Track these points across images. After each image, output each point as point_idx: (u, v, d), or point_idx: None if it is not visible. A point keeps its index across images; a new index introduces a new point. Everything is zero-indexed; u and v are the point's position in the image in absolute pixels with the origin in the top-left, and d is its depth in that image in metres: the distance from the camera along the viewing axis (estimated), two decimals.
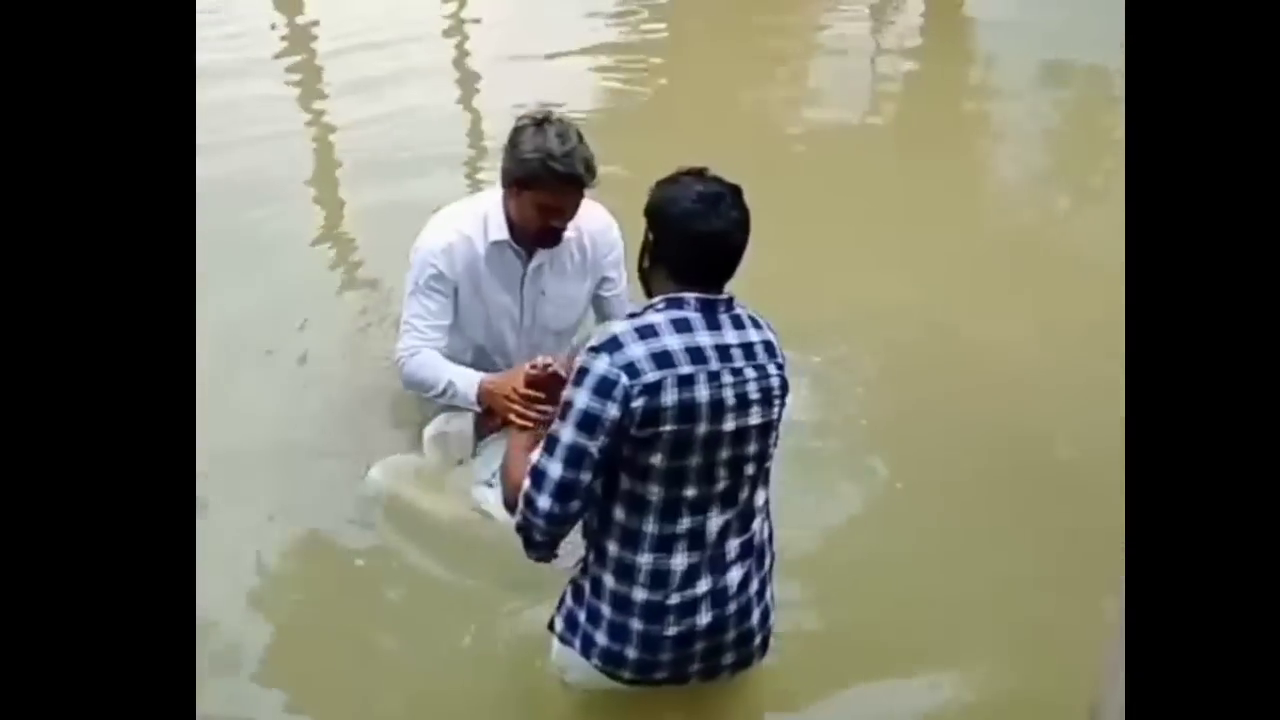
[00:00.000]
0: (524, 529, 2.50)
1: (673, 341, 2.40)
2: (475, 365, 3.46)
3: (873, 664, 3.16)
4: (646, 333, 2.40)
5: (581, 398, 2.37)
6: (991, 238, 5.33)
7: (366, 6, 7.90)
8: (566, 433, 2.38)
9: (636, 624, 2.54)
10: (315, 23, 7.97)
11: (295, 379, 4.18)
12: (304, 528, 3.57)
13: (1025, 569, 3.43)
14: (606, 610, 2.55)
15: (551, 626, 2.69)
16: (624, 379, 2.35)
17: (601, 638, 2.57)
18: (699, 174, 2.52)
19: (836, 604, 3.32)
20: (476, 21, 8.16)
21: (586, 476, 2.40)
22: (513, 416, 3.08)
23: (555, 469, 2.39)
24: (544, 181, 3.14)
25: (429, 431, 3.48)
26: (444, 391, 3.39)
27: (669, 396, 2.37)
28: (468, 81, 7.20)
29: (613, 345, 2.38)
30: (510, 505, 2.91)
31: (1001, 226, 5.52)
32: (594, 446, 2.37)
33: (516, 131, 3.18)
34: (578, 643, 2.62)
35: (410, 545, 3.46)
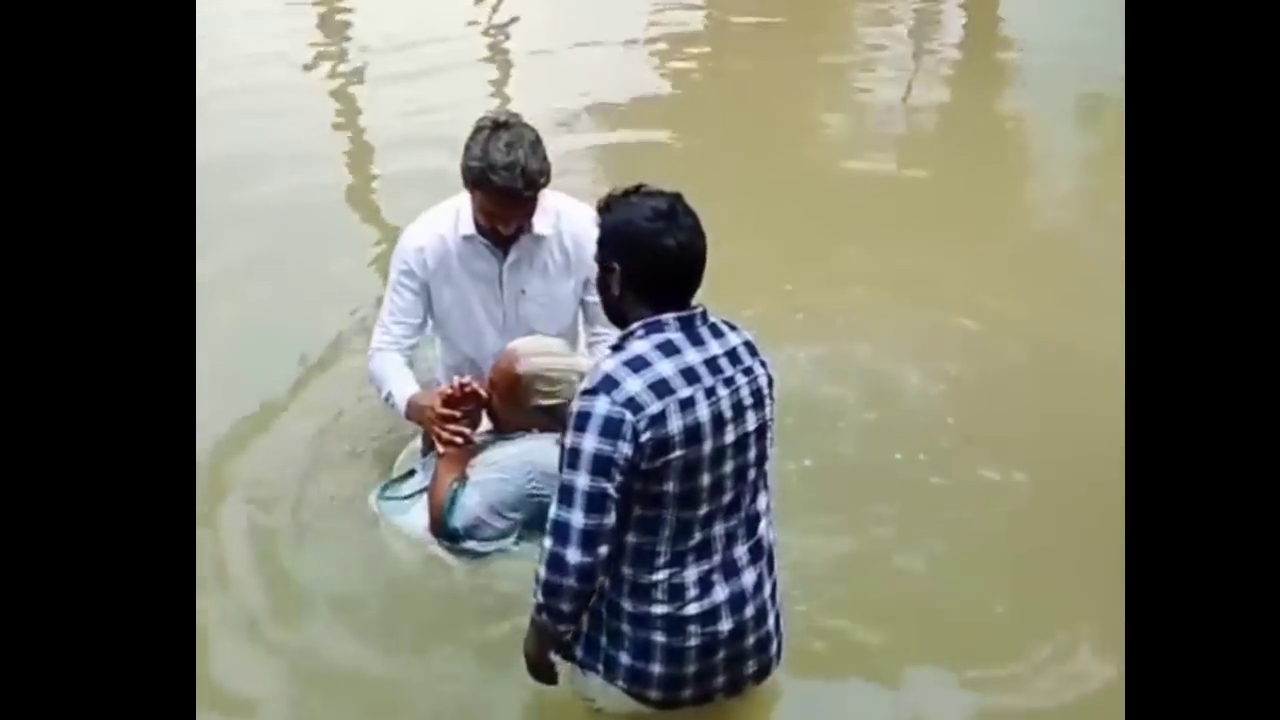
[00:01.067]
0: (551, 601, 2.45)
1: (665, 368, 2.41)
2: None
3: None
4: (638, 365, 2.41)
5: (589, 441, 2.36)
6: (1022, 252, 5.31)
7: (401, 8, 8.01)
8: (581, 479, 2.37)
9: (659, 637, 2.54)
10: (350, 24, 8.08)
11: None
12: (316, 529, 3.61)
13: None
14: (627, 629, 2.55)
15: (570, 656, 2.67)
16: (629, 415, 2.35)
17: (625, 657, 2.57)
18: (636, 191, 2.53)
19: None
20: (515, 20, 8.25)
21: (610, 520, 2.39)
22: (434, 437, 3.16)
23: (578, 518, 2.38)
24: (484, 188, 3.23)
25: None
26: (386, 399, 3.46)
27: (674, 424, 2.39)
28: (501, 78, 7.32)
29: (608, 384, 2.38)
30: (434, 527, 3.12)
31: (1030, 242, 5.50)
32: (611, 487, 2.37)
33: (474, 132, 3.25)
34: (600, 666, 2.61)
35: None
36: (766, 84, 7.15)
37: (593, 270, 3.41)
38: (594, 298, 3.45)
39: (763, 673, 2.70)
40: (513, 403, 3.28)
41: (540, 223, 3.41)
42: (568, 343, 3.43)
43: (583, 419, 2.38)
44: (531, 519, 3.24)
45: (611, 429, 2.35)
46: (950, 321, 4.60)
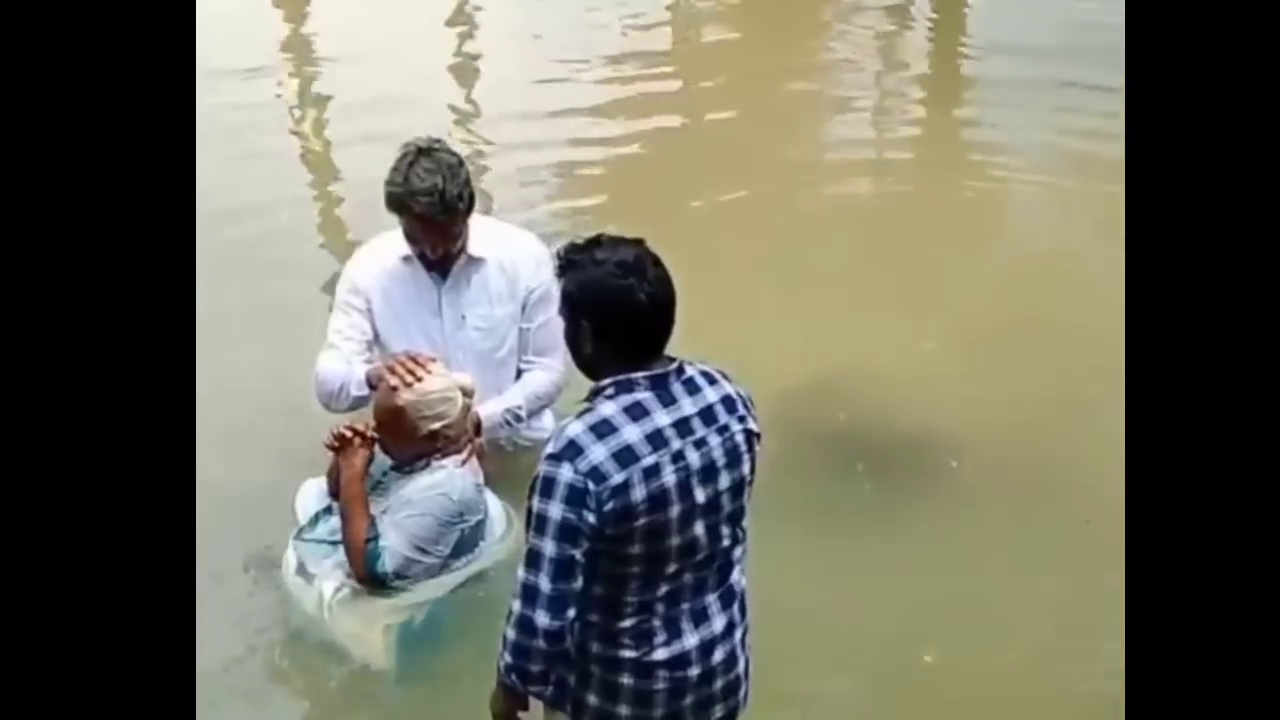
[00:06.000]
0: (519, 662, 2.41)
1: (631, 433, 2.36)
2: None
3: None
4: (603, 430, 2.36)
5: (555, 509, 2.33)
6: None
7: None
8: (549, 546, 2.34)
9: (627, 680, 2.50)
10: (315, 33, 7.91)
11: None
12: None
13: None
14: (595, 669, 2.51)
15: (541, 695, 2.60)
16: (592, 485, 2.32)
17: (593, 698, 2.53)
18: (597, 244, 2.47)
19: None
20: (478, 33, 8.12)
21: (578, 584, 2.37)
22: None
23: (545, 584, 2.35)
24: (404, 214, 3.33)
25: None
26: (339, 390, 3.51)
27: (638, 493, 2.35)
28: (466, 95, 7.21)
29: (572, 451, 2.34)
30: (359, 577, 3.21)
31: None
32: (579, 553, 2.35)
33: (398, 158, 3.33)
34: (569, 705, 2.56)
35: None
36: (736, 103, 7.12)
37: (531, 297, 3.54)
38: (529, 324, 3.57)
39: (729, 717, 2.65)
40: (402, 434, 3.30)
41: (476, 245, 3.47)
42: (443, 363, 3.40)
43: (548, 485, 2.35)
44: (452, 549, 3.31)
45: (575, 498, 2.32)
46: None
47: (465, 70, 7.60)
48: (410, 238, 3.39)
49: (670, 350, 2.47)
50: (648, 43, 7.92)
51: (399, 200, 3.29)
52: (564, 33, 7.83)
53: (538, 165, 6.16)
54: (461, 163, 3.35)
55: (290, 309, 4.62)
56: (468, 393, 3.32)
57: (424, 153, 3.30)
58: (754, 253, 5.30)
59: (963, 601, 3.52)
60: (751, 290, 4.94)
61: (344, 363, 3.49)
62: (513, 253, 3.53)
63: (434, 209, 3.27)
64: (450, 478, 3.28)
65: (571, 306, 2.47)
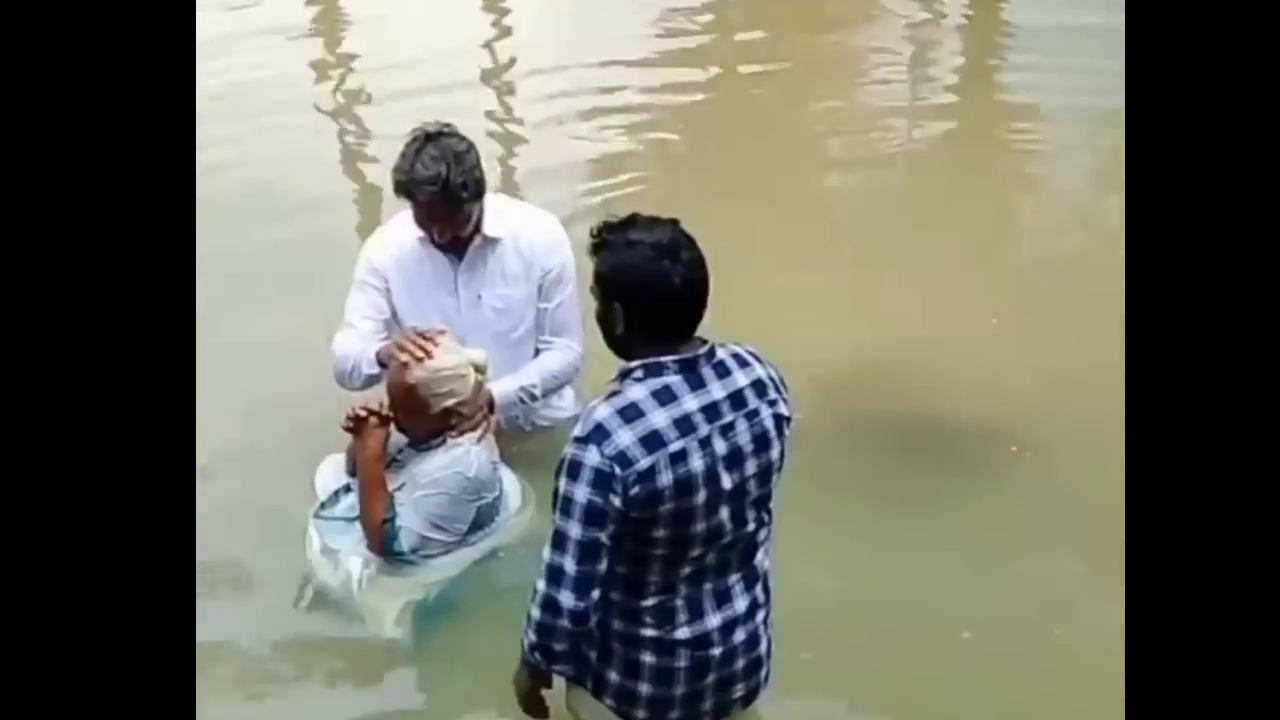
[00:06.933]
0: (543, 640, 2.44)
1: (658, 418, 2.36)
2: None
3: None
4: (630, 414, 2.36)
5: (580, 492, 2.34)
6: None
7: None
8: (574, 529, 2.35)
9: (648, 658, 2.51)
10: (355, 56, 7.83)
11: None
12: None
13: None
14: (617, 647, 2.52)
15: (564, 671, 2.62)
16: (618, 470, 2.32)
17: (613, 675, 2.54)
18: (632, 223, 2.46)
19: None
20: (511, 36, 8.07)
21: (602, 566, 2.38)
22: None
23: (570, 565, 2.37)
24: (410, 200, 3.37)
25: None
26: (351, 371, 3.52)
27: (664, 478, 2.35)
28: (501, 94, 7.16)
29: (599, 434, 2.34)
30: (373, 545, 3.23)
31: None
32: (604, 535, 2.36)
33: (406, 143, 3.36)
34: (590, 682, 2.58)
35: None
36: (770, 101, 7.02)
37: (548, 278, 3.55)
38: (546, 304, 3.59)
39: (750, 696, 2.66)
40: (416, 412, 3.31)
41: (492, 225, 3.49)
42: (454, 339, 3.41)
43: (575, 468, 2.35)
44: (471, 524, 3.34)
45: (601, 481, 2.32)
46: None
47: (500, 43, 7.63)
48: (419, 222, 3.43)
49: (714, 334, 2.47)
50: (684, 25, 7.91)
51: (404, 188, 3.34)
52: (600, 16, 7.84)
53: (570, 144, 6.16)
54: (471, 148, 3.37)
55: (318, 283, 4.60)
56: (480, 369, 3.33)
57: (431, 139, 3.33)
58: (800, 234, 5.28)
59: (1016, 584, 3.51)
60: (799, 270, 4.91)
61: (359, 341, 3.52)
62: (529, 233, 3.54)
63: (436, 198, 3.31)
64: (466, 455, 3.29)
65: (604, 287, 2.46)
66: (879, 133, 6.57)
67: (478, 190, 3.39)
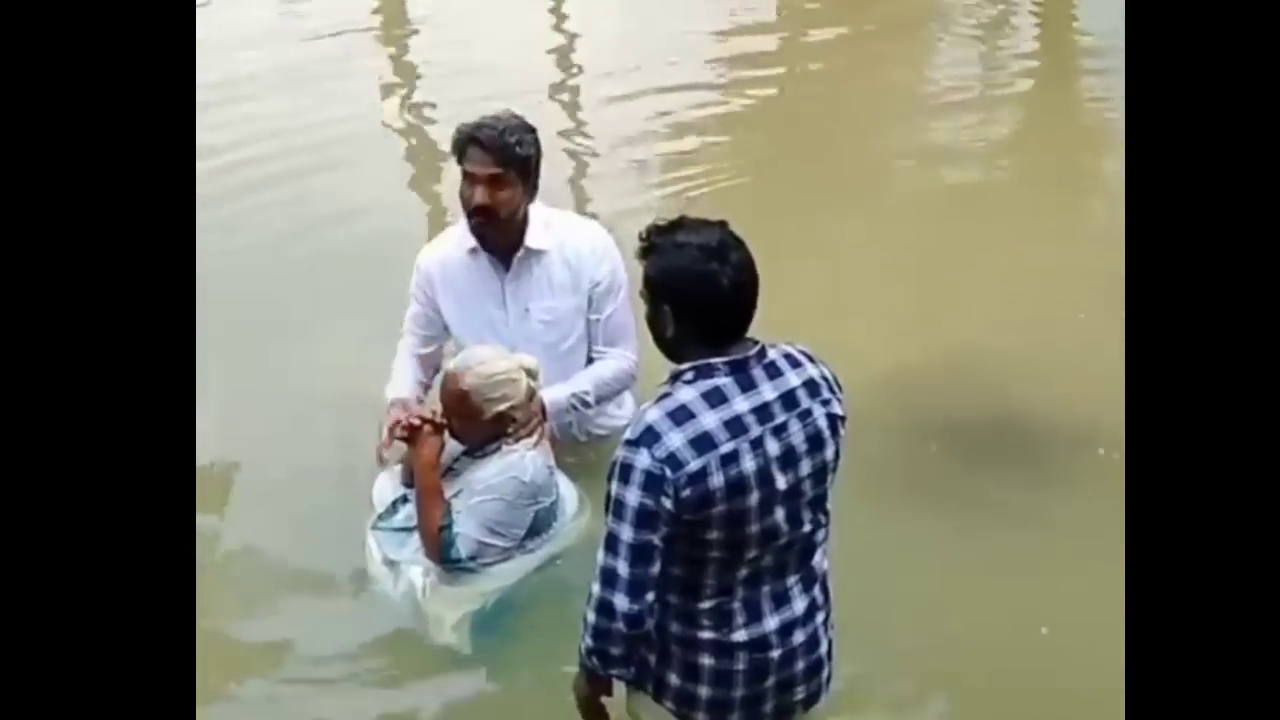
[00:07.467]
0: (600, 644, 2.44)
1: (709, 420, 2.35)
2: None
3: None
4: (681, 416, 2.35)
5: (633, 495, 2.34)
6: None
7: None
8: (626, 531, 2.35)
9: (707, 660, 2.50)
10: (424, 64, 7.93)
11: None
12: None
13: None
14: (676, 650, 2.52)
15: (623, 675, 2.61)
16: (669, 472, 2.32)
17: (673, 678, 2.54)
18: (679, 226, 2.47)
19: None
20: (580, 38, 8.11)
21: (656, 569, 2.38)
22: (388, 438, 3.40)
23: (623, 568, 2.37)
24: (460, 147, 3.41)
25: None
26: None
27: (715, 480, 2.35)
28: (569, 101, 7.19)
29: (650, 437, 2.34)
30: (430, 554, 3.23)
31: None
32: (656, 538, 2.35)
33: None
34: (650, 685, 2.58)
35: None
36: (839, 95, 7.04)
37: (597, 290, 3.57)
38: (598, 315, 3.59)
39: (811, 699, 2.64)
40: (470, 417, 3.33)
41: (536, 237, 3.50)
42: (506, 349, 3.44)
43: (626, 470, 2.35)
44: (527, 531, 3.36)
45: (653, 484, 2.32)
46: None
47: (564, 50, 7.67)
48: (463, 198, 3.43)
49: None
50: (750, 35, 7.88)
51: (464, 138, 3.38)
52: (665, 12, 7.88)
53: (638, 145, 6.20)
54: (533, 131, 3.44)
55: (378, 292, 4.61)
56: (532, 374, 3.35)
57: (500, 113, 3.45)
58: (875, 229, 5.26)
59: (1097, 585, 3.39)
60: (873, 266, 4.90)
61: (404, 367, 3.64)
62: (575, 243, 3.55)
63: (495, 141, 3.33)
64: (521, 460, 3.30)
65: (653, 290, 2.46)
66: (952, 126, 6.56)
67: (532, 169, 3.43)
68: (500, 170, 3.37)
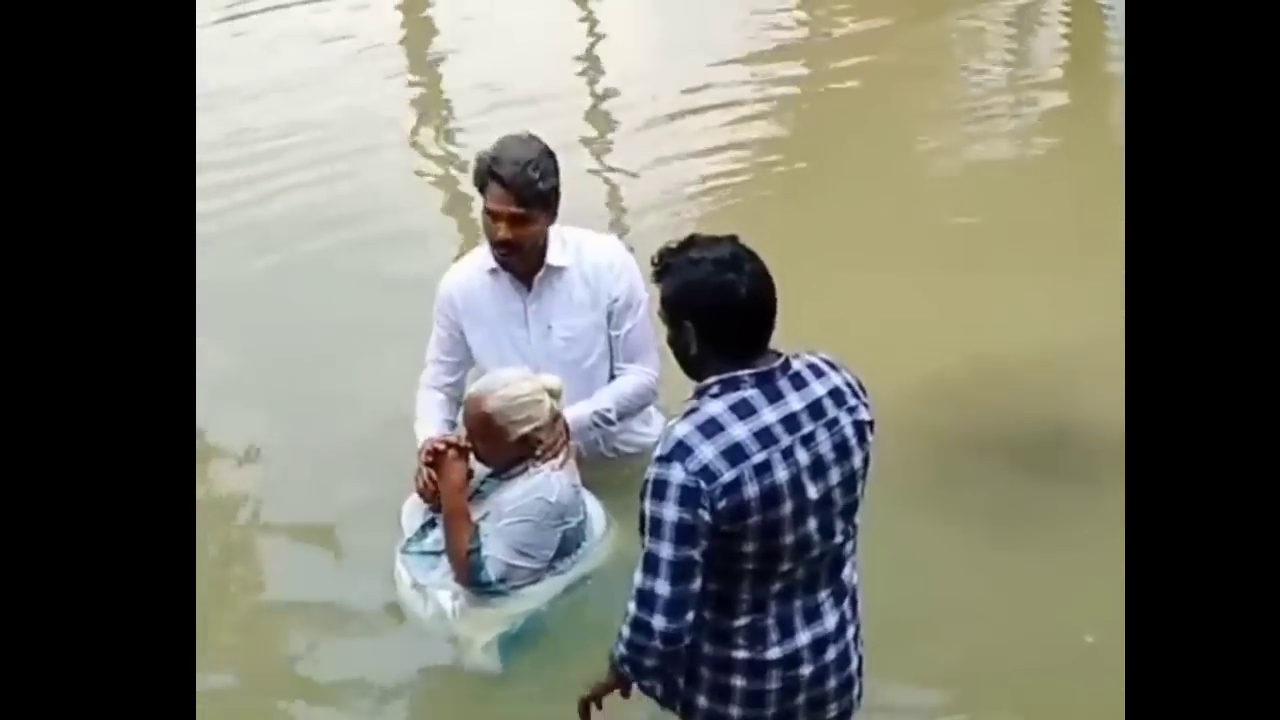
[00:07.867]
0: (634, 656, 2.45)
1: (739, 431, 2.36)
2: None
3: None
4: (710, 429, 2.35)
5: (670, 511, 2.33)
6: None
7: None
8: (666, 549, 2.34)
9: (739, 681, 2.50)
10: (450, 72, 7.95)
11: None
12: None
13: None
14: (706, 672, 2.51)
15: (651, 692, 2.63)
16: (703, 484, 2.32)
17: (702, 700, 2.53)
18: (691, 244, 2.47)
19: None
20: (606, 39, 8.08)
21: (696, 585, 2.37)
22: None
23: (664, 587, 2.36)
24: (481, 180, 3.41)
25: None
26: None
27: (750, 490, 2.34)
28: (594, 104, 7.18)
29: (681, 451, 2.34)
30: (459, 577, 3.23)
31: None
32: (697, 553, 2.35)
33: (496, 141, 3.47)
34: (678, 706, 2.57)
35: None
36: (868, 94, 6.99)
37: (616, 305, 3.56)
38: (618, 331, 3.59)
39: (843, 717, 2.63)
40: (495, 440, 3.33)
41: (556, 255, 3.51)
42: (529, 369, 3.45)
43: (660, 487, 2.35)
44: (556, 551, 3.34)
45: (689, 498, 2.32)
46: None
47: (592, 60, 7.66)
48: (486, 229, 3.44)
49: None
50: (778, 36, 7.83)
51: (485, 169, 3.37)
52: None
53: (668, 147, 6.18)
54: (553, 156, 3.42)
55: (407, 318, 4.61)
56: (555, 394, 3.34)
57: (521, 140, 3.43)
58: (909, 229, 5.22)
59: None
60: (906, 268, 4.85)
61: (430, 406, 3.63)
62: (594, 259, 3.55)
63: (519, 178, 3.31)
64: (547, 480, 3.29)
65: (672, 309, 2.46)
66: (983, 124, 6.52)
67: (553, 199, 3.42)
68: (523, 210, 3.37)
